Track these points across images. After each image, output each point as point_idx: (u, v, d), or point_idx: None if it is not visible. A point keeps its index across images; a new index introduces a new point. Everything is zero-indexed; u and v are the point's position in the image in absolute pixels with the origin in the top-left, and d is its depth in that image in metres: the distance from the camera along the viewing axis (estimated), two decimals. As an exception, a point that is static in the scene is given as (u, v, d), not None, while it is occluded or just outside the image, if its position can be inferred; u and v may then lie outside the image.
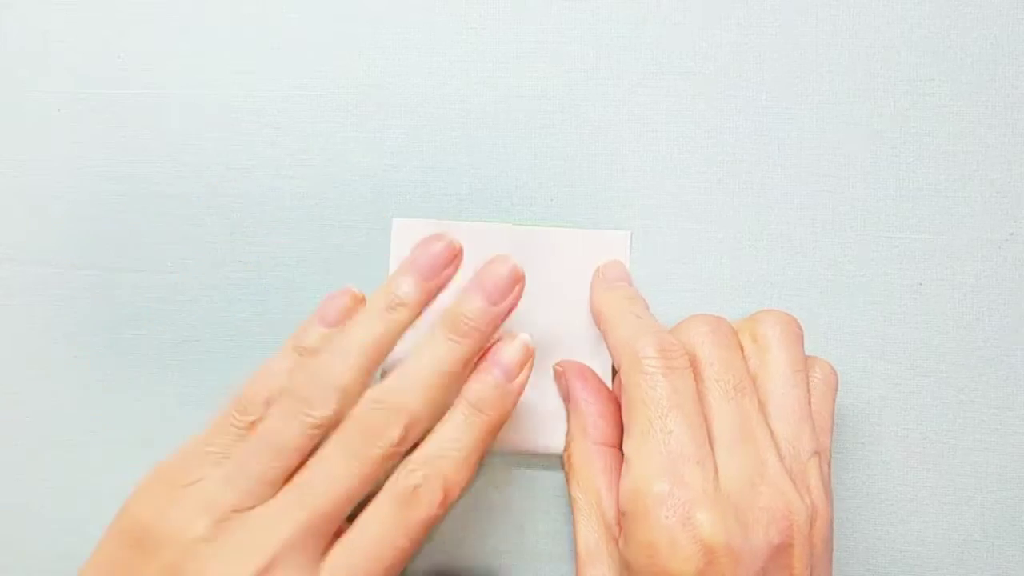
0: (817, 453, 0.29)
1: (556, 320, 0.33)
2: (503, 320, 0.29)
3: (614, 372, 0.33)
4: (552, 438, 0.33)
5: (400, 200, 0.34)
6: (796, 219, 0.34)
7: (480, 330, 0.28)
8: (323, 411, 0.26)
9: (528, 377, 0.29)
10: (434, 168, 0.34)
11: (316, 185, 0.34)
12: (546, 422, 0.33)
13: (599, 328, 0.32)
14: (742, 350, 0.30)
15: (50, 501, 0.35)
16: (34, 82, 0.35)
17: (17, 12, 0.35)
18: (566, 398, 0.33)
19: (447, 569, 0.34)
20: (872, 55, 0.34)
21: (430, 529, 0.27)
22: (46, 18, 0.35)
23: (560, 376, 0.33)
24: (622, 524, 0.27)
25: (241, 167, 0.34)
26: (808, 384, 0.30)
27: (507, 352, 0.29)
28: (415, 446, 0.27)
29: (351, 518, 0.27)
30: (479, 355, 0.29)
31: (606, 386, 0.33)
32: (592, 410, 0.31)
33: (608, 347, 0.31)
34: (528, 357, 0.29)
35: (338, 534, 0.26)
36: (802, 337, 0.30)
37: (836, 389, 0.31)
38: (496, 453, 0.33)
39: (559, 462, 0.33)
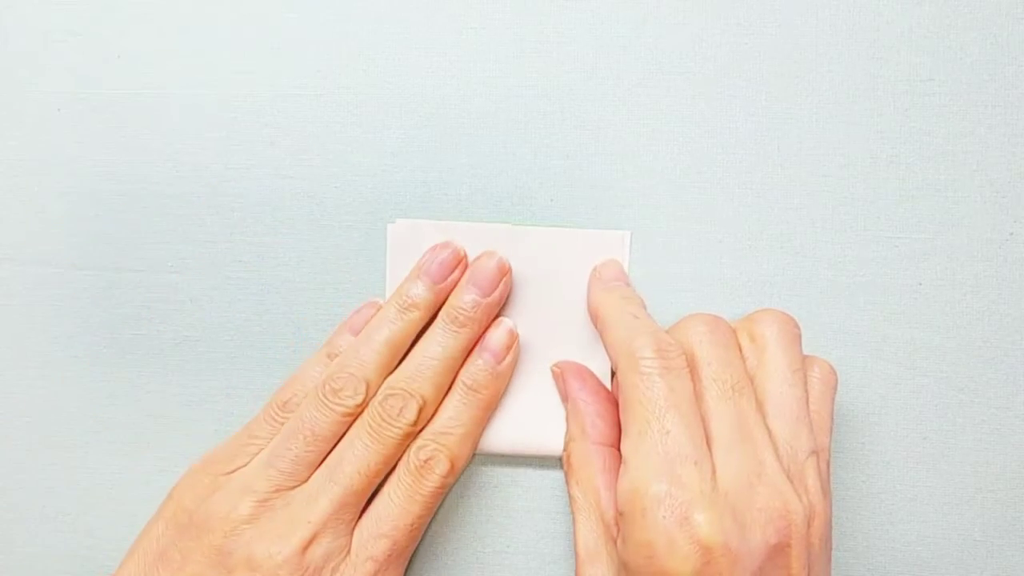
0: (815, 453, 0.29)
1: (555, 320, 0.33)
2: (496, 310, 0.32)
3: (613, 372, 0.33)
4: (551, 438, 0.33)
5: (400, 200, 0.34)
6: (796, 219, 0.34)
7: (476, 319, 0.32)
8: (352, 400, 0.30)
9: (515, 360, 0.33)
10: (434, 168, 0.34)
11: (316, 185, 0.34)
12: (545, 422, 0.33)
13: (596, 328, 0.32)
14: (740, 349, 0.30)
15: (50, 501, 0.35)
16: (34, 82, 0.35)
17: (17, 12, 0.35)
18: (564, 398, 0.33)
19: (447, 569, 0.34)
20: (872, 55, 0.34)
21: (440, 497, 0.31)
22: (46, 18, 0.35)
23: (558, 377, 0.33)
24: (620, 524, 0.27)
25: (241, 167, 0.34)
26: (806, 384, 0.30)
27: (494, 337, 0.32)
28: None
29: (370, 496, 0.31)
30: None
31: (604, 386, 0.33)
32: (590, 410, 0.31)
33: (605, 347, 0.31)
34: (513, 341, 0.32)
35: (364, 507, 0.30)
36: (800, 337, 0.31)
37: (835, 388, 0.31)
38: (496, 453, 0.33)
39: (558, 462, 0.33)
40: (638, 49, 0.34)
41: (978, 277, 0.34)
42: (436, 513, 0.34)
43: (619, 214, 0.34)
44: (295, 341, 0.34)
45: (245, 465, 0.31)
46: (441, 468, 0.30)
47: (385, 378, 0.31)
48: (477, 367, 0.32)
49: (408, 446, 0.31)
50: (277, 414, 0.31)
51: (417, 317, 0.32)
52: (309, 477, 0.30)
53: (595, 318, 0.32)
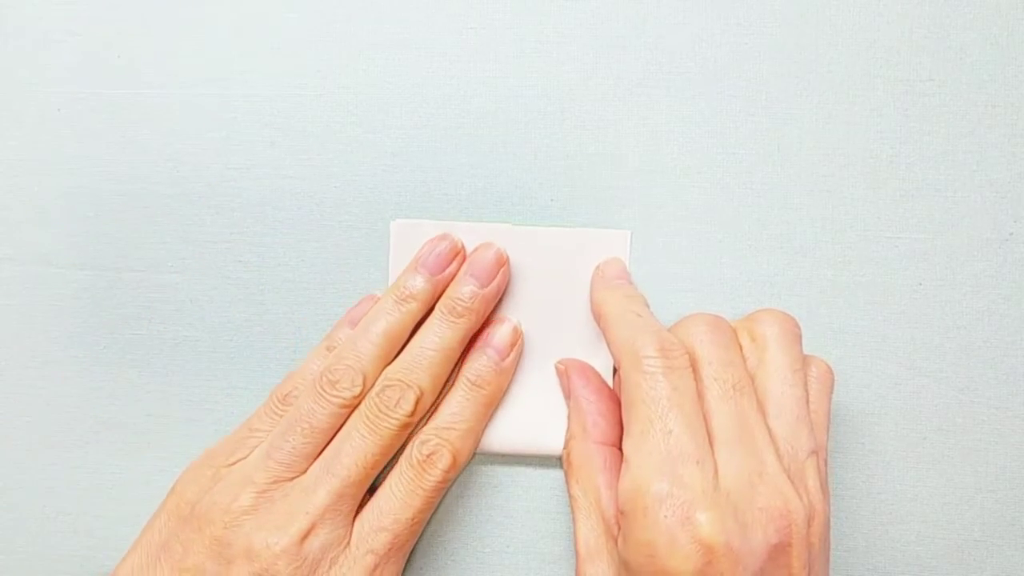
0: (814, 452, 0.29)
1: (556, 319, 0.33)
2: (494, 301, 0.32)
3: (615, 371, 0.33)
4: (552, 438, 0.33)
5: (400, 200, 0.34)
6: (796, 219, 0.34)
7: (474, 310, 0.31)
8: (350, 392, 0.30)
9: (518, 357, 0.33)
10: (434, 168, 0.34)
11: (316, 185, 0.34)
12: (546, 422, 0.33)
13: (599, 327, 0.32)
14: (741, 349, 0.30)
15: (50, 501, 0.35)
16: (34, 82, 0.35)
17: (17, 12, 0.35)
18: (567, 396, 0.33)
19: (447, 568, 0.34)
20: (872, 55, 0.34)
21: (441, 492, 0.31)
22: (46, 18, 0.35)
23: (562, 374, 0.33)
24: (621, 523, 0.27)
25: (241, 167, 0.34)
26: (806, 383, 0.30)
27: (499, 334, 0.32)
28: (424, 419, 0.32)
29: (371, 490, 0.31)
30: (474, 334, 0.33)
31: (607, 385, 0.33)
32: (592, 409, 0.31)
33: (608, 346, 0.31)
34: (517, 338, 0.33)
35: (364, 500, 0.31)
36: (800, 337, 0.31)
37: (832, 387, 0.31)
38: (496, 453, 0.33)
39: (558, 462, 0.33)
40: (638, 49, 0.34)
41: (978, 277, 0.34)
42: (436, 513, 0.34)
43: (619, 214, 0.34)
44: (295, 341, 0.34)
45: (245, 458, 0.31)
46: (443, 463, 0.30)
47: (383, 370, 0.31)
48: (481, 363, 0.32)
49: (407, 438, 0.31)
50: (277, 407, 0.31)
51: (414, 308, 0.32)
52: (307, 469, 0.30)
53: (598, 316, 0.32)
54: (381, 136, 0.34)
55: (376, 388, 0.31)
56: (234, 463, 0.31)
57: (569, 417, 0.33)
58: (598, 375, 0.33)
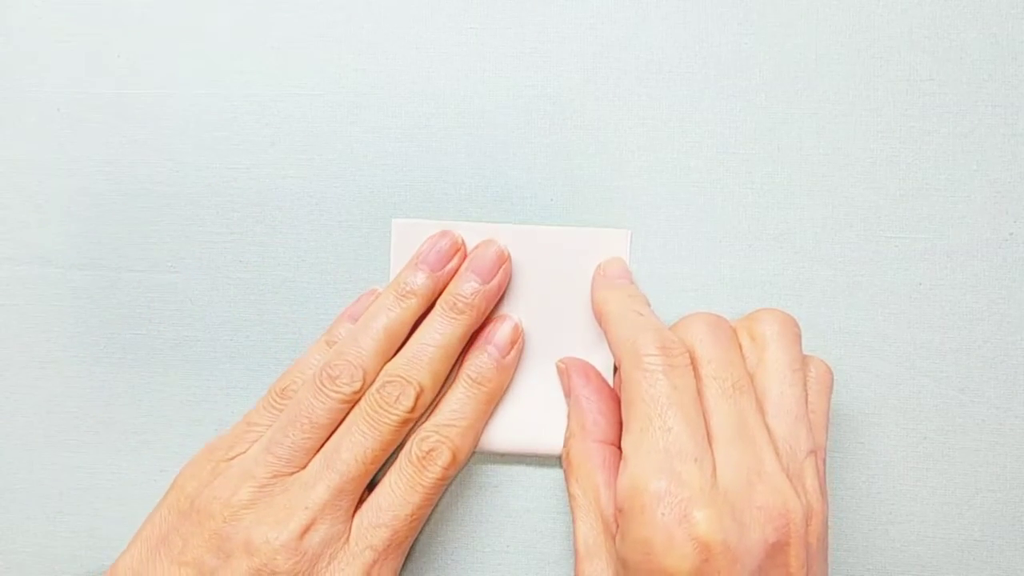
0: (813, 452, 0.29)
1: (557, 318, 0.33)
2: (495, 298, 0.32)
3: (615, 370, 0.33)
4: (551, 437, 0.33)
5: (400, 200, 0.34)
6: (796, 219, 0.34)
7: (475, 307, 0.31)
8: (350, 387, 0.30)
9: (519, 355, 0.33)
10: (434, 168, 0.34)
11: (316, 185, 0.34)
12: (546, 421, 0.33)
13: (600, 325, 0.32)
14: (740, 348, 0.30)
15: (50, 501, 0.35)
16: (34, 82, 0.35)
17: (17, 12, 0.35)
18: (567, 394, 0.33)
19: (447, 568, 0.34)
20: (872, 55, 0.34)
21: (441, 489, 0.31)
22: (46, 18, 0.35)
23: (563, 372, 0.33)
24: (619, 521, 0.27)
25: (241, 167, 0.34)
26: (805, 383, 0.30)
27: (500, 331, 0.32)
28: (425, 416, 0.32)
29: (371, 486, 0.31)
30: (475, 332, 0.33)
31: (607, 384, 0.33)
32: (592, 407, 0.31)
33: (609, 344, 0.31)
34: (518, 336, 0.33)
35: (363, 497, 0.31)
36: (800, 336, 0.31)
37: (832, 387, 0.31)
38: (496, 451, 0.33)
39: (558, 461, 0.33)
40: (638, 49, 0.34)
41: (978, 277, 0.34)
42: (435, 512, 0.34)
43: (619, 214, 0.34)
44: (295, 341, 0.34)
45: (245, 452, 0.31)
46: (443, 459, 0.30)
47: (383, 365, 0.31)
48: (482, 360, 0.32)
49: (406, 434, 0.31)
50: (276, 401, 0.32)
51: (415, 304, 0.32)
52: (307, 464, 0.30)
53: (599, 315, 0.32)
54: (381, 136, 0.34)
55: (376, 384, 0.31)
56: (233, 457, 0.31)
57: (569, 415, 0.33)
58: (598, 374, 0.33)
